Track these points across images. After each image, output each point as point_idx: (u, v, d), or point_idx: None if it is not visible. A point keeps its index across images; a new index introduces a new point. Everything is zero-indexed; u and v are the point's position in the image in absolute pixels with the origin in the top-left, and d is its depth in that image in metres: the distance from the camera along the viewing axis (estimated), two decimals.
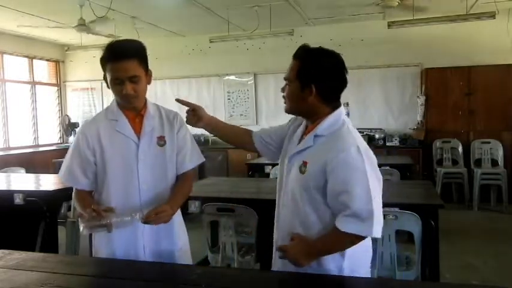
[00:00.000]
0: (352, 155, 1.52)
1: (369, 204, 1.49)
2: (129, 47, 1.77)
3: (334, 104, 1.65)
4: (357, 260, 1.62)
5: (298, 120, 1.78)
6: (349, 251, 1.58)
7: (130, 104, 1.84)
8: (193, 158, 1.99)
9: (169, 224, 1.87)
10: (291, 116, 1.82)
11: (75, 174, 1.86)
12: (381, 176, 1.59)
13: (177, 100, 1.91)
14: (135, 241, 1.85)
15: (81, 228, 1.68)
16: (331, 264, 1.58)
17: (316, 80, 1.58)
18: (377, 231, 1.50)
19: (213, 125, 1.93)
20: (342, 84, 1.64)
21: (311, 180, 1.58)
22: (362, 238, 1.52)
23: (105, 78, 1.82)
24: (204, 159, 2.08)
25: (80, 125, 1.94)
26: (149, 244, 1.87)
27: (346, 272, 1.58)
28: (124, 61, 1.72)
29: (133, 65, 1.74)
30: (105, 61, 1.77)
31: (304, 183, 1.60)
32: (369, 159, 1.54)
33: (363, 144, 1.57)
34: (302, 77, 1.59)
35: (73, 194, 1.92)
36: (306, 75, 1.59)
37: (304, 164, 1.60)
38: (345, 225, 1.50)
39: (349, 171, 1.51)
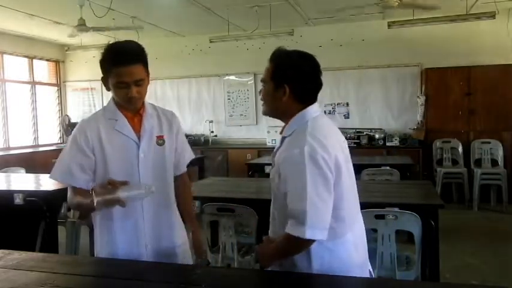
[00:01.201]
0: (293, 155, 1.52)
1: (302, 204, 1.46)
2: (133, 50, 1.77)
3: (308, 104, 1.65)
4: (330, 264, 1.57)
5: None
6: (316, 254, 1.56)
7: (134, 105, 1.84)
8: (189, 157, 2.08)
9: (170, 224, 1.92)
10: None
11: (73, 172, 1.81)
12: (331, 176, 1.51)
13: None
14: (137, 240, 1.85)
15: (95, 202, 1.64)
16: (300, 265, 1.58)
17: (289, 80, 1.61)
18: (311, 233, 1.45)
19: None
20: (316, 85, 1.66)
21: (273, 180, 1.64)
22: (306, 240, 1.47)
23: (103, 80, 1.81)
24: (194, 156, 2.14)
25: (78, 123, 1.90)
26: (151, 242, 1.87)
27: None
28: (130, 66, 1.73)
29: (139, 69, 1.76)
30: (108, 64, 1.76)
31: (272, 185, 1.67)
32: (312, 159, 1.49)
33: (313, 145, 1.51)
34: (276, 78, 1.63)
35: (69, 194, 1.85)
36: (279, 76, 1.62)
37: (273, 165, 1.67)
38: (287, 225, 1.51)
39: (288, 171, 1.54)
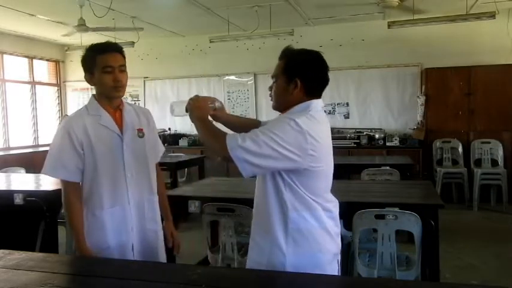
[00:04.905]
0: (283, 116, 1.65)
1: (259, 133, 1.55)
2: (113, 44, 2.04)
3: (315, 98, 1.73)
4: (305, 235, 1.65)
5: None
6: (293, 220, 1.63)
7: (118, 92, 1.99)
8: (161, 150, 2.29)
9: (153, 208, 2.13)
10: None
11: (66, 165, 1.95)
12: (299, 154, 1.57)
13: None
14: (125, 224, 2.02)
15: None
16: (276, 228, 1.66)
17: (301, 74, 1.69)
18: (236, 155, 1.53)
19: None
20: (324, 80, 1.74)
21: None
22: (226, 151, 1.55)
23: (86, 77, 2.00)
24: (165, 149, 2.35)
25: (63, 121, 2.06)
26: (136, 224, 2.04)
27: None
28: (114, 53, 1.97)
29: (120, 57, 1.99)
30: (93, 55, 1.95)
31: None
32: (297, 124, 1.56)
33: (306, 121, 1.59)
34: (288, 72, 1.71)
35: (63, 190, 1.96)
36: (291, 70, 1.70)
37: None
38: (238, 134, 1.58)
39: (272, 121, 1.67)
